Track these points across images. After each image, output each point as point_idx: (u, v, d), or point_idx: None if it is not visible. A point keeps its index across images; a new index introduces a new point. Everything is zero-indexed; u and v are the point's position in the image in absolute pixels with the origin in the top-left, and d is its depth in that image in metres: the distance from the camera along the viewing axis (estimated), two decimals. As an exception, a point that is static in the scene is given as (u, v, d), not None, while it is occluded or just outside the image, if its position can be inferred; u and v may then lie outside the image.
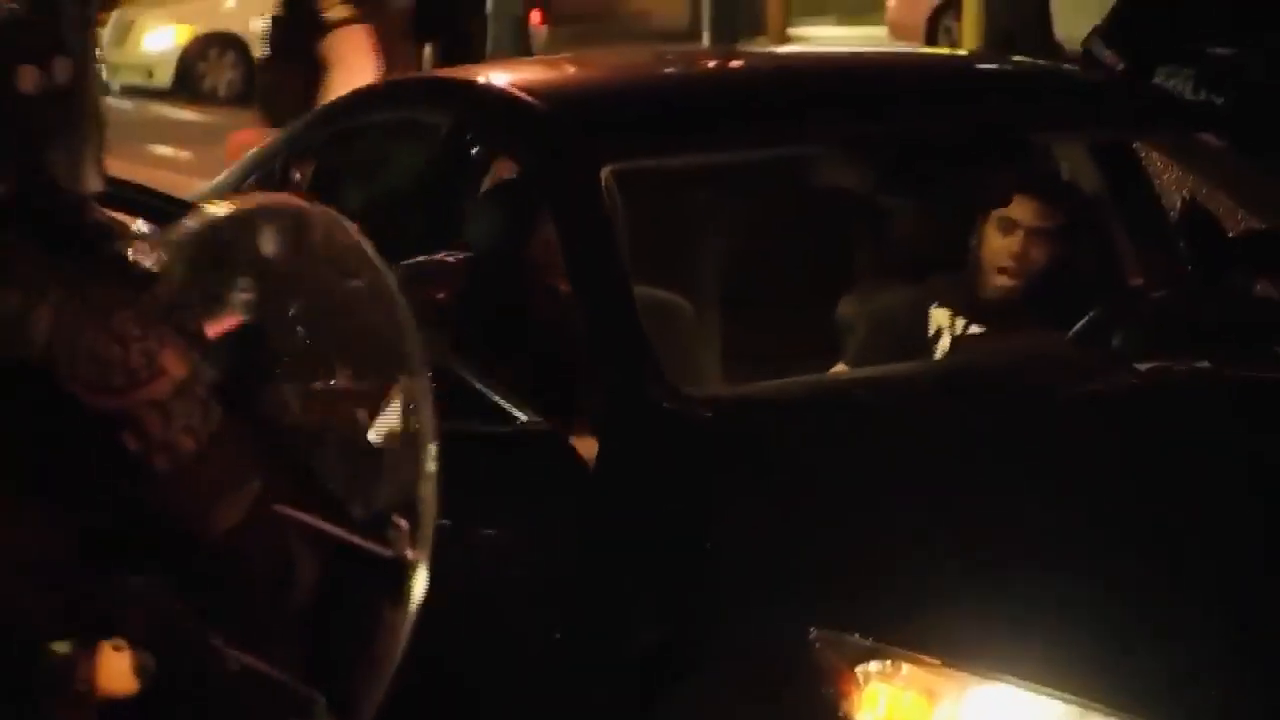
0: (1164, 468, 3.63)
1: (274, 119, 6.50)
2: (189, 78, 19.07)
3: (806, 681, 3.24)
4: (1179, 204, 4.85)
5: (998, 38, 11.65)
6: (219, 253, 2.38)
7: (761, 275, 4.71)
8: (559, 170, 4.19)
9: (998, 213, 4.36)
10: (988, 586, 3.27)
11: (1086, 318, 4.27)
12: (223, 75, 19.55)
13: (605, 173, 4.04)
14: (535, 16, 16.63)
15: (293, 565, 2.34)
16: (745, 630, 3.37)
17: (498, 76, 4.68)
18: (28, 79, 2.28)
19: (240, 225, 2.42)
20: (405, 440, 2.41)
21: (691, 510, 3.56)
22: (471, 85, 4.72)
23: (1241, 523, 3.48)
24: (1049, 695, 3.13)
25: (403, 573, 2.37)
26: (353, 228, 2.46)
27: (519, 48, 15.74)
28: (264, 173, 5.00)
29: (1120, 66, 5.32)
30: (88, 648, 2.27)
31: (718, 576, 3.45)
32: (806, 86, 4.72)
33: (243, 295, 2.37)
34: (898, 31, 18.12)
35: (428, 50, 16.17)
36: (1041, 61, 5.34)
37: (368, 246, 2.46)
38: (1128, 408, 3.88)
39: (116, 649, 2.28)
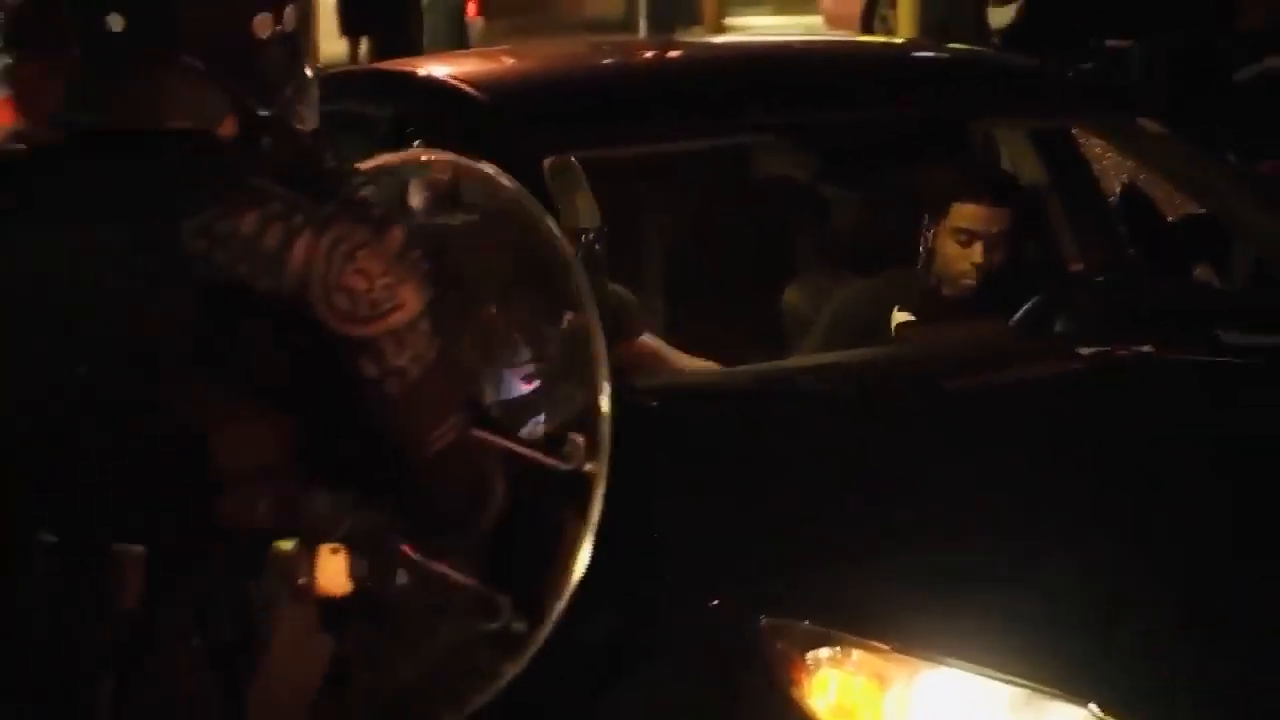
0: (1106, 451, 3.66)
1: None
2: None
3: (758, 669, 3.26)
4: (1118, 189, 4.90)
5: (933, 26, 11.72)
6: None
7: (705, 265, 4.73)
8: (500, 162, 4.18)
9: (951, 224, 4.41)
10: (935, 572, 3.29)
11: (1028, 304, 4.31)
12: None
13: (547, 164, 4.04)
14: (472, 9, 16.63)
15: (489, 482, 2.56)
16: (696, 620, 3.38)
17: (437, 69, 4.68)
18: (264, 25, 2.50)
19: (387, 179, 2.74)
20: (578, 365, 2.69)
21: (639, 500, 3.57)
22: (412, 78, 4.72)
23: (1185, 504, 3.50)
24: (996, 679, 3.15)
25: (582, 483, 2.64)
26: (510, 180, 2.77)
27: (456, 40, 15.74)
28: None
29: None
30: (309, 549, 2.48)
31: (667, 566, 3.46)
32: (745, 76, 4.71)
33: None
34: (833, 22, 18.18)
35: (364, 44, 16.19)
36: (979, 48, 5.38)
37: (525, 195, 2.76)
38: (1070, 392, 3.91)
39: (334, 552, 2.50)
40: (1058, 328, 4.12)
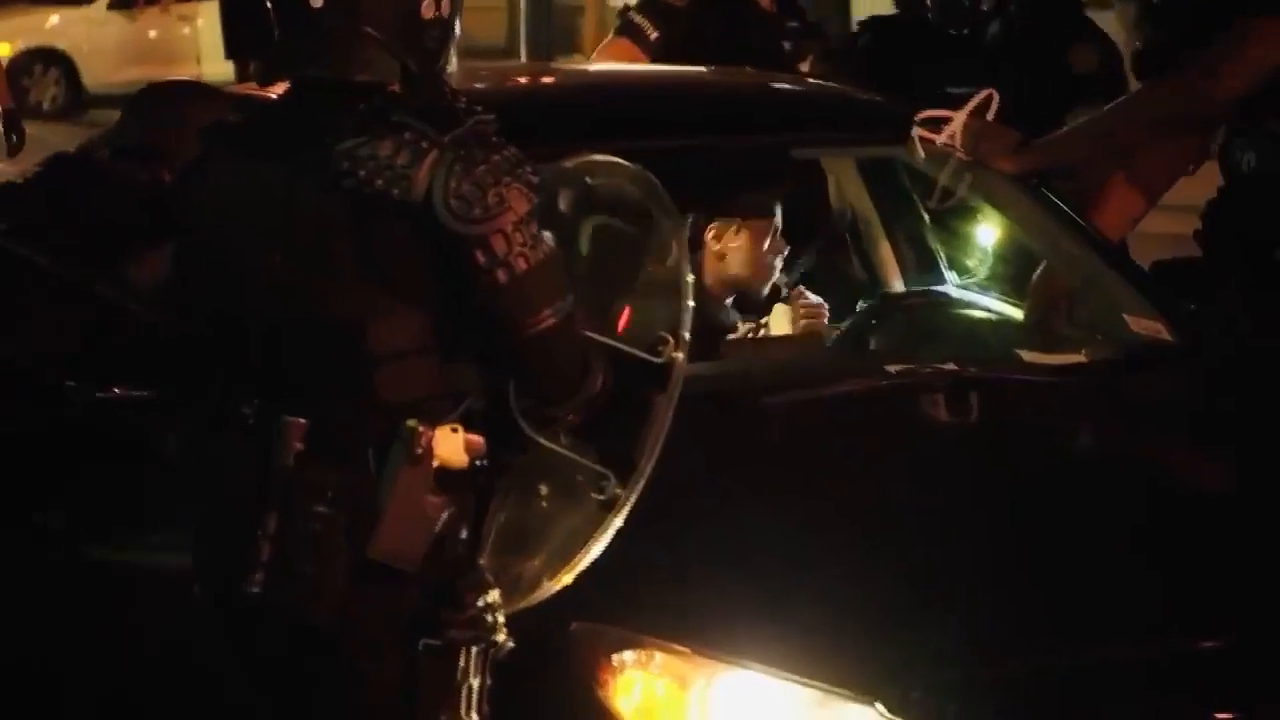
0: (909, 462, 3.80)
1: None
2: (13, 93, 18.98)
3: (566, 671, 3.37)
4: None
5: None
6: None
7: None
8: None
9: (716, 249, 4.62)
10: (734, 579, 3.41)
11: (846, 322, 4.45)
12: (47, 90, 19.57)
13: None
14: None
15: (589, 365, 3.12)
16: (506, 623, 3.48)
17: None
18: (429, 8, 3.13)
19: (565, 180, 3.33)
20: (671, 277, 3.23)
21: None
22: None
23: (981, 514, 3.64)
24: (791, 680, 3.27)
25: (667, 371, 3.15)
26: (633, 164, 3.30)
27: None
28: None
29: None
30: (430, 425, 3.04)
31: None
32: (591, 103, 4.83)
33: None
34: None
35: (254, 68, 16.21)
36: (815, 81, 5.50)
37: (643, 173, 3.27)
38: (876, 407, 4.05)
39: (453, 430, 3.07)
40: (872, 345, 4.25)
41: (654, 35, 6.00)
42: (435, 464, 3.06)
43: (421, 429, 3.05)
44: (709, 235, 4.72)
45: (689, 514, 3.54)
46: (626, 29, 6.12)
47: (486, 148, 3.03)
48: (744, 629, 3.33)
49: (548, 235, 3.08)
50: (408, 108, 3.06)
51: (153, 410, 3.74)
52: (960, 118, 4.33)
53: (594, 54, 6.47)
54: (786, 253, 4.73)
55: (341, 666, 3.13)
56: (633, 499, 3.13)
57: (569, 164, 3.37)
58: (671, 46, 5.90)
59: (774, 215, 4.66)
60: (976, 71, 5.25)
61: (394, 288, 3.05)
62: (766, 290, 4.71)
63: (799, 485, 3.70)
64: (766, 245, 4.67)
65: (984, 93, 4.37)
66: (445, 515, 3.08)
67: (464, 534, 3.12)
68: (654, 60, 5.90)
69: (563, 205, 3.31)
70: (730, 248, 4.70)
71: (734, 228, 4.70)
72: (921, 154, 4.40)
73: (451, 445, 3.07)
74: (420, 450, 3.05)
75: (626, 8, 6.27)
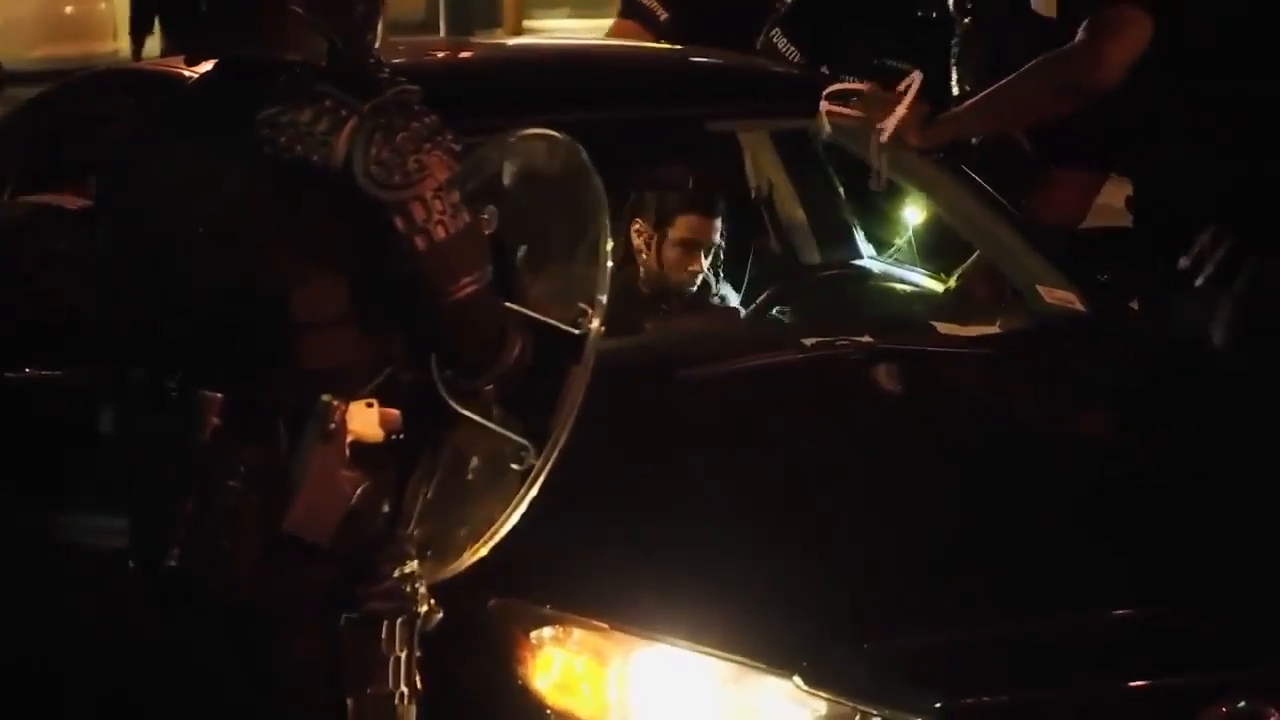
0: (824, 435, 3.82)
1: None
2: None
3: (486, 649, 3.38)
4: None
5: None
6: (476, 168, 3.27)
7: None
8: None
9: (675, 235, 4.62)
10: (651, 554, 3.42)
11: (761, 296, 4.47)
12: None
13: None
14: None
15: (506, 335, 3.13)
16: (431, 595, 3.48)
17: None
18: None
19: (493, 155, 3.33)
20: (592, 247, 3.24)
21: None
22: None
23: (899, 485, 3.67)
24: (708, 654, 3.29)
25: (584, 341, 3.18)
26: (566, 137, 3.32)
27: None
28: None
29: (796, 58, 5.51)
30: (345, 400, 3.07)
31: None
32: (512, 78, 4.83)
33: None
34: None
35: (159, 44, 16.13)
36: (732, 54, 5.51)
37: (575, 146, 3.31)
38: (792, 380, 4.07)
39: (368, 404, 3.09)
40: (786, 319, 4.27)
41: (663, 16, 5.93)
42: (349, 439, 3.08)
43: (335, 403, 3.07)
44: (634, 229, 4.75)
45: (605, 490, 3.55)
46: (632, 10, 6.04)
47: (407, 115, 3.05)
48: (662, 604, 3.34)
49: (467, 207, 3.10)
50: (330, 78, 3.10)
51: (72, 391, 3.74)
52: (900, 110, 4.35)
53: (602, 37, 6.37)
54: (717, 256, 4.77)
55: (262, 642, 3.15)
56: (547, 469, 3.14)
57: (505, 136, 3.39)
58: (681, 26, 5.81)
59: (710, 215, 4.69)
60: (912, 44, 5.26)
61: (314, 255, 3.07)
62: (694, 289, 4.74)
63: (716, 460, 3.71)
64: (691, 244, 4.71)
65: (911, 74, 4.39)
66: (360, 490, 3.10)
67: (385, 508, 3.15)
68: (663, 41, 5.82)
69: (506, 179, 3.32)
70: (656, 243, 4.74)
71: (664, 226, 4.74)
72: (828, 128, 4.42)
73: (365, 420, 3.09)
74: (333, 425, 3.07)
75: None
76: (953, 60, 5.19)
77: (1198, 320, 4.37)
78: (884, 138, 4.34)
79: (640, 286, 4.73)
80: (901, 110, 4.34)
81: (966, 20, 5.25)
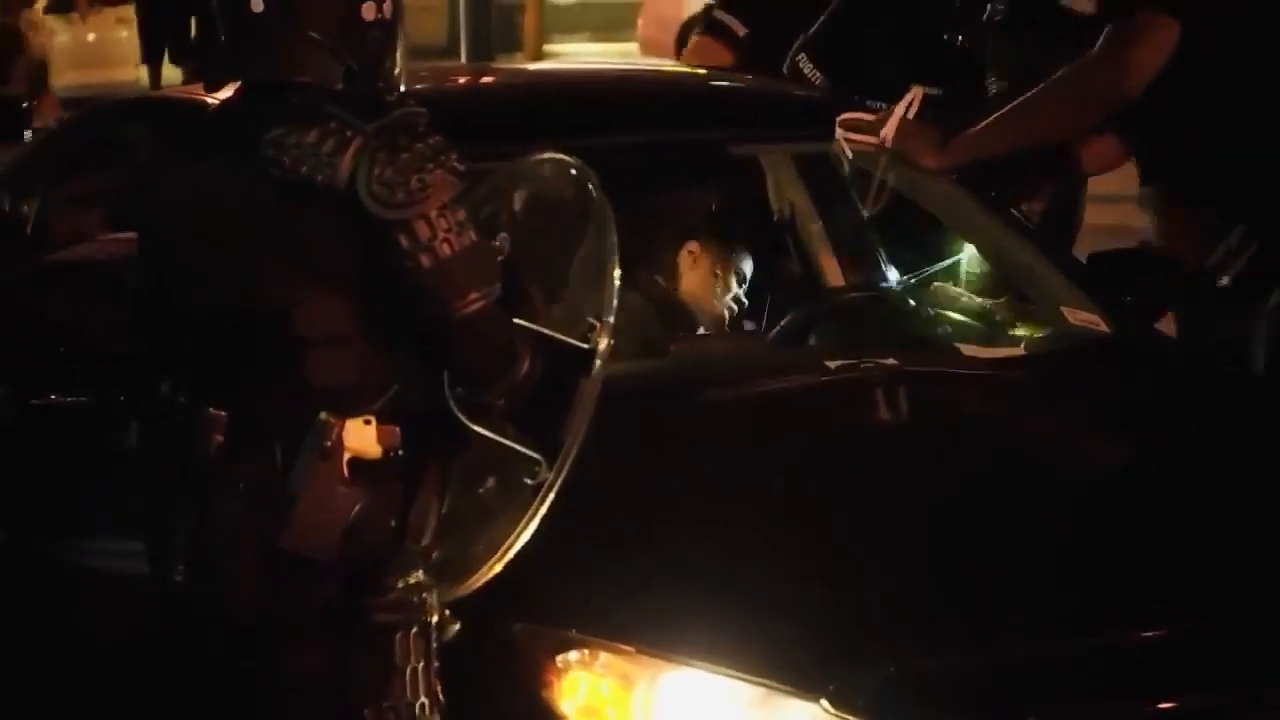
0: (849, 459, 3.82)
1: None
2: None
3: (512, 673, 3.37)
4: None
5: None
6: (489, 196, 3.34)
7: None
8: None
9: (714, 260, 4.64)
10: (678, 577, 3.42)
11: (785, 319, 4.47)
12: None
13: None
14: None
15: (515, 351, 3.14)
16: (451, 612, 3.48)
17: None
18: (369, 11, 3.20)
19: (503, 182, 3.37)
20: (600, 264, 3.24)
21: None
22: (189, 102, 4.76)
23: (925, 508, 3.66)
24: (734, 678, 3.28)
25: (593, 355, 3.18)
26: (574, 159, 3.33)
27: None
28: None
29: (820, 81, 5.52)
30: (341, 417, 3.10)
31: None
32: (534, 103, 4.84)
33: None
34: (648, 48, 18.26)
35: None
36: (756, 78, 5.51)
37: (583, 166, 3.31)
38: (817, 403, 4.06)
39: (366, 421, 3.11)
40: (811, 341, 4.26)
41: (742, 32, 5.92)
42: (347, 456, 3.11)
43: (332, 421, 3.10)
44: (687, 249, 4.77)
45: (631, 513, 3.56)
46: (712, 27, 6.03)
47: (412, 136, 3.08)
48: (688, 628, 3.34)
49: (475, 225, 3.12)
50: (339, 101, 3.13)
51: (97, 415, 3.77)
52: (893, 123, 4.36)
53: (682, 58, 6.36)
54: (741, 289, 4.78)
55: (266, 661, 3.18)
56: (558, 483, 3.15)
57: (514, 162, 3.41)
58: (760, 41, 5.80)
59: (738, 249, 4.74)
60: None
61: (319, 274, 3.10)
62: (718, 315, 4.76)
63: (741, 483, 3.71)
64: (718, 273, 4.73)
65: (912, 92, 4.39)
66: (359, 506, 3.12)
67: (392, 523, 3.16)
68: (744, 58, 5.81)
69: (517, 205, 3.34)
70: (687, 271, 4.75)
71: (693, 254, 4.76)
72: (849, 154, 4.43)
73: (363, 437, 3.12)
74: (330, 443, 3.10)
75: (709, 6, 6.19)
76: (988, 59, 5.17)
77: (1237, 338, 4.34)
78: (886, 143, 4.34)
79: (682, 308, 4.73)
80: (899, 113, 4.34)
81: (999, 17, 5.23)
